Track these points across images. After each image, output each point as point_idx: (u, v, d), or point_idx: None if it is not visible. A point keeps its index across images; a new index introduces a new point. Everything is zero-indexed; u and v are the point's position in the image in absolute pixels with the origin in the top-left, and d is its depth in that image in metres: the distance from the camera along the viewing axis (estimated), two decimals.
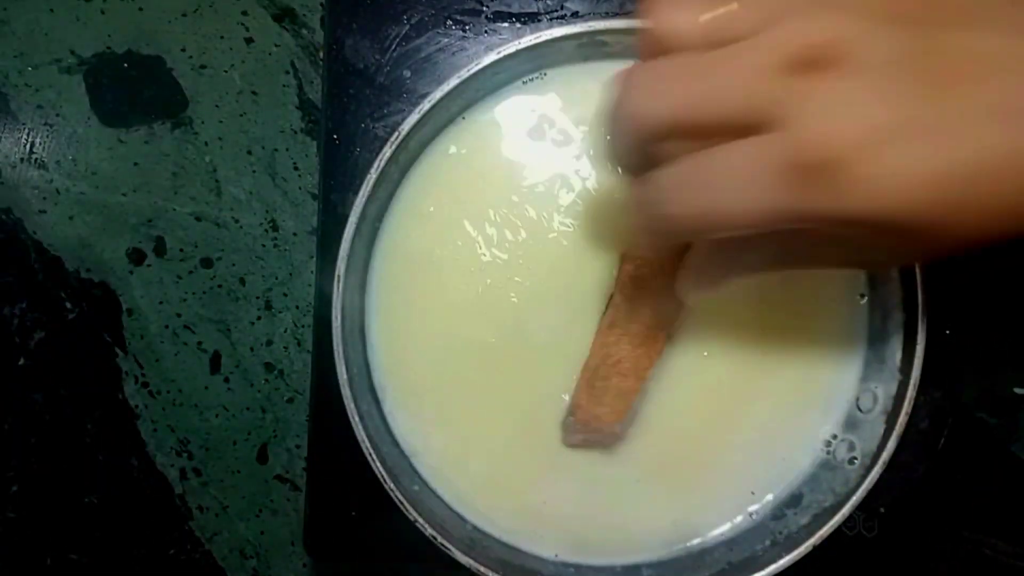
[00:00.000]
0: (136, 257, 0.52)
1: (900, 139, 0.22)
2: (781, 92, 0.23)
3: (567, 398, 0.44)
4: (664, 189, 0.26)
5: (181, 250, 0.52)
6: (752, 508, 0.44)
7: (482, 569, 0.40)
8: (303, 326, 0.52)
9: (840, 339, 0.44)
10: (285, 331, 0.52)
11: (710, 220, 0.25)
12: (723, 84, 0.24)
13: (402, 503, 0.40)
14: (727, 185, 0.24)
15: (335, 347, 0.41)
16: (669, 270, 0.38)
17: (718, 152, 0.24)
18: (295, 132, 0.52)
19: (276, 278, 0.52)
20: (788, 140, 0.22)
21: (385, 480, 0.40)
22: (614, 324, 0.41)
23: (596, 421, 0.41)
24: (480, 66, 0.41)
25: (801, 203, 0.23)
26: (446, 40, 0.46)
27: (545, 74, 0.44)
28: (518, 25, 0.47)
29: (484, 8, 0.47)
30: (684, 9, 0.26)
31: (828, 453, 0.44)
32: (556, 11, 0.47)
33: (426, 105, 0.41)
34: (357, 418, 0.41)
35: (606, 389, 0.41)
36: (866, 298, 0.44)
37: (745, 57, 0.24)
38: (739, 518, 0.44)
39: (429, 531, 0.40)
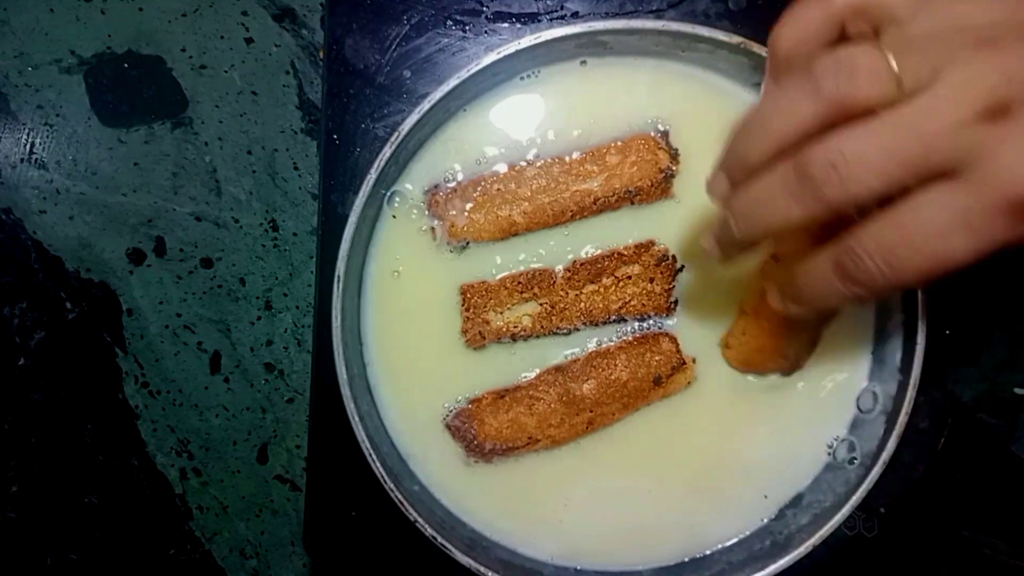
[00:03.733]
0: (136, 257, 0.52)
1: None
2: (973, 141, 0.25)
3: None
4: (874, 250, 0.28)
5: (181, 250, 0.52)
6: (766, 516, 0.44)
7: (482, 569, 0.40)
8: (303, 326, 0.52)
9: (845, 337, 0.44)
10: (285, 331, 0.52)
11: (932, 267, 0.27)
12: (927, 140, 0.26)
13: (402, 503, 0.40)
14: (937, 231, 0.26)
15: (335, 347, 0.41)
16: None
17: (909, 208, 0.27)
18: (295, 132, 0.52)
19: (276, 278, 0.52)
20: (990, 181, 0.25)
21: (385, 480, 0.40)
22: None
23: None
24: (480, 67, 0.41)
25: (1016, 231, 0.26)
26: (446, 40, 0.46)
27: (540, 72, 0.44)
28: (518, 25, 0.47)
29: (484, 8, 0.47)
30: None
31: (829, 454, 0.44)
32: (556, 11, 0.47)
33: (426, 105, 0.41)
34: (357, 418, 0.41)
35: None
36: None
37: (937, 112, 0.25)
38: (753, 527, 0.44)
39: (429, 531, 0.40)
